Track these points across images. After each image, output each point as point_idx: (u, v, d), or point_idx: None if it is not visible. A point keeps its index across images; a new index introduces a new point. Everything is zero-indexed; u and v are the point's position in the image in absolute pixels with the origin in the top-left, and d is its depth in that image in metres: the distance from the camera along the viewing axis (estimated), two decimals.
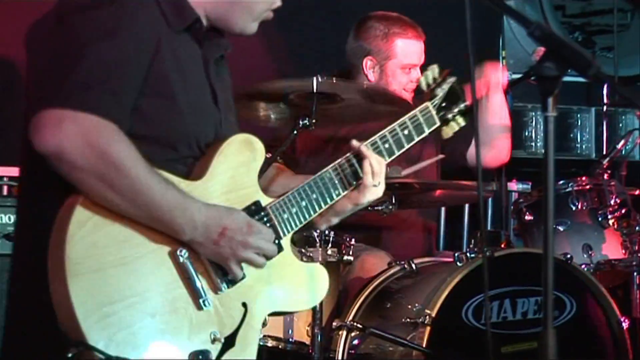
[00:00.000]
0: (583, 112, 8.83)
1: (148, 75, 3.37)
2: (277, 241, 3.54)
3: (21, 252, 3.45)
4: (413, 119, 3.98)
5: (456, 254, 5.57)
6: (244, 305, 3.41)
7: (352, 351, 5.49)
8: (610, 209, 6.37)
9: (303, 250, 5.42)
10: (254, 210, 3.52)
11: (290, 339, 5.51)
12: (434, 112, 4.01)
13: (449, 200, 6.57)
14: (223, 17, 3.67)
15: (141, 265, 3.23)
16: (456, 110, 4.08)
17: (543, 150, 3.24)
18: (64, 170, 3.20)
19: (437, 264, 5.81)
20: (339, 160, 3.84)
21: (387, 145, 3.91)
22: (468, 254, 5.53)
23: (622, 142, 7.06)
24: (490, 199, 6.45)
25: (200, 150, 3.50)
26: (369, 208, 5.50)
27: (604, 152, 7.91)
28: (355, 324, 5.46)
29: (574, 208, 6.44)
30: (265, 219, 3.54)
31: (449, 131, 4.11)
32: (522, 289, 5.45)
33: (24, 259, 3.40)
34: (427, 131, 3.99)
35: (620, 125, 8.36)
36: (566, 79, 3.18)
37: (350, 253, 5.54)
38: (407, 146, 3.97)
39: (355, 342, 5.49)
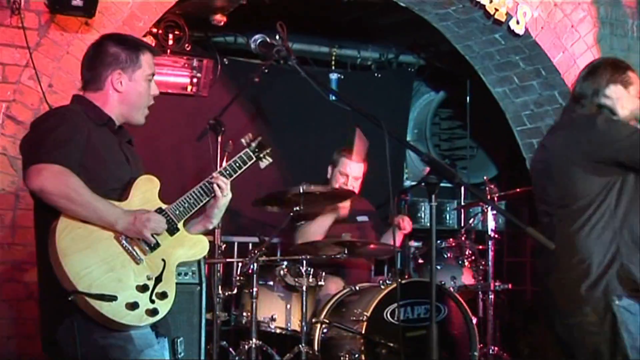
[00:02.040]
0: (450, 203, 8.70)
1: (85, 147, 3.34)
2: (172, 224, 3.46)
3: (38, 250, 3.40)
4: (240, 157, 3.75)
5: (380, 281, 5.53)
6: (163, 260, 3.41)
7: (322, 335, 5.43)
8: (466, 256, 6.30)
9: (296, 280, 5.41)
10: (158, 211, 3.44)
11: (289, 328, 5.51)
12: (251, 154, 3.74)
13: (379, 252, 6.23)
14: (124, 116, 3.57)
15: (100, 246, 3.27)
16: (264, 152, 3.79)
17: (429, 224, 3.29)
18: (46, 199, 3.23)
19: (370, 287, 5.62)
20: (203, 182, 3.63)
21: (227, 172, 3.65)
22: (387, 281, 5.49)
23: (471, 219, 7.13)
24: (399, 252, 6.30)
25: (122, 186, 3.43)
26: (332, 256, 5.63)
27: (462, 225, 7.90)
28: (324, 320, 5.44)
29: (445, 256, 6.30)
30: (164, 215, 3.44)
31: (262, 165, 3.85)
32: (417, 301, 5.39)
33: (39, 252, 3.38)
34: (249, 163, 3.75)
35: (471, 210, 7.72)
36: (442, 184, 3.27)
37: (322, 280, 5.47)
38: (239, 172, 3.73)
39: (325, 330, 5.45)
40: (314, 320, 5.47)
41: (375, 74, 8.44)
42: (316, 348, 5.40)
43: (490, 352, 6.20)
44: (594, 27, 6.95)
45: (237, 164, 3.74)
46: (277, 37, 3.47)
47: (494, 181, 7.39)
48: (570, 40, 6.85)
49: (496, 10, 6.53)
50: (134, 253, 3.35)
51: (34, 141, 3.35)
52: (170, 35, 6.91)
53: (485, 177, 6.78)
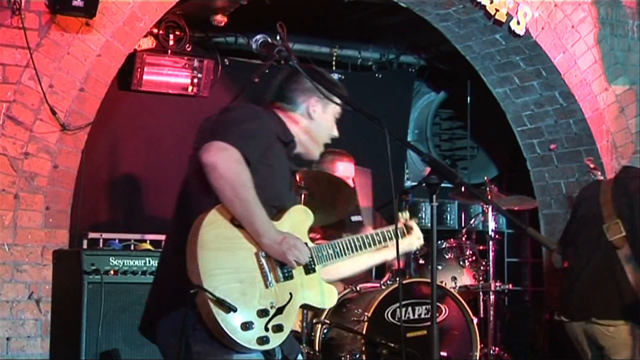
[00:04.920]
0: (451, 203, 8.58)
1: (266, 151, 3.24)
2: (311, 264, 3.30)
3: (172, 235, 3.33)
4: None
5: (381, 282, 5.62)
6: (290, 294, 3.20)
7: (324, 336, 5.42)
8: (467, 257, 6.29)
9: None
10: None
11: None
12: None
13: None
14: (304, 146, 3.47)
15: (238, 254, 3.13)
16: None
17: (430, 224, 3.26)
18: (213, 178, 3.08)
19: (371, 287, 5.65)
20: (374, 232, 3.56)
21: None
22: (388, 282, 5.56)
23: (472, 220, 7.16)
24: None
25: (279, 207, 3.30)
26: None
27: (463, 225, 7.94)
28: (325, 320, 5.40)
29: (446, 256, 6.31)
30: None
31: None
32: (418, 301, 5.41)
33: (173, 239, 3.29)
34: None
35: (471, 210, 8.25)
36: (442, 185, 3.23)
37: None
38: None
39: (325, 331, 5.44)
40: (315, 320, 5.45)
41: (376, 75, 8.45)
42: (317, 348, 5.38)
43: (491, 352, 6.19)
44: (595, 27, 6.96)
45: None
46: (278, 37, 3.45)
47: (495, 182, 7.37)
48: (570, 41, 6.84)
49: (497, 10, 6.53)
50: (268, 276, 3.18)
51: (226, 121, 3.23)
52: (171, 36, 6.94)
53: (485, 178, 6.80)
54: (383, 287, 5.45)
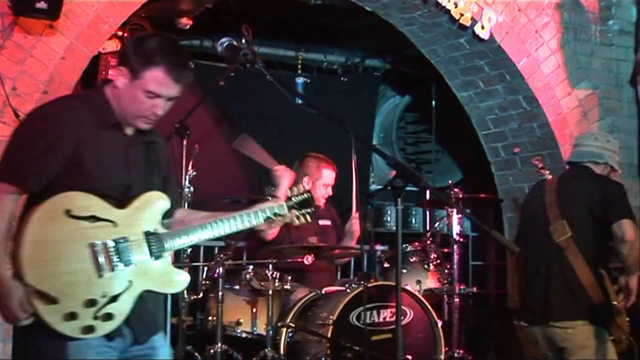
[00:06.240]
0: (417, 206, 8.51)
1: (75, 153, 3.13)
2: (159, 250, 3.24)
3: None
4: (270, 209, 3.40)
5: (346, 284, 5.56)
6: (130, 281, 3.18)
7: (289, 339, 5.41)
8: (431, 260, 6.25)
9: (262, 284, 5.37)
10: (151, 233, 3.27)
11: (255, 332, 5.51)
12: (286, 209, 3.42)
13: (344, 255, 6.32)
14: (123, 116, 3.28)
15: (69, 246, 3.12)
16: (304, 211, 3.45)
17: (395, 227, 3.39)
18: None
19: (336, 291, 5.60)
20: (238, 214, 3.39)
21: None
22: (353, 285, 5.52)
23: (437, 223, 7.11)
24: (365, 254, 6.40)
25: (119, 193, 3.23)
26: (298, 260, 5.55)
27: (427, 228, 7.93)
28: (291, 323, 5.39)
29: (411, 259, 6.23)
30: (155, 240, 3.25)
31: (296, 221, 3.47)
32: (383, 304, 5.42)
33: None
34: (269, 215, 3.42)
35: (436, 213, 8.14)
36: (407, 188, 3.28)
37: (288, 284, 5.43)
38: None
39: (290, 334, 5.43)
40: (280, 324, 5.45)
41: (342, 78, 8.49)
42: (282, 352, 5.38)
43: (456, 354, 6.22)
44: (558, 32, 7.03)
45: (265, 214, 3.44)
46: (243, 40, 3.45)
47: (459, 185, 7.41)
48: (534, 45, 6.91)
49: (461, 15, 6.58)
50: (102, 265, 3.16)
51: (5, 153, 3.22)
52: None
53: (450, 181, 6.81)
54: (348, 291, 5.46)
